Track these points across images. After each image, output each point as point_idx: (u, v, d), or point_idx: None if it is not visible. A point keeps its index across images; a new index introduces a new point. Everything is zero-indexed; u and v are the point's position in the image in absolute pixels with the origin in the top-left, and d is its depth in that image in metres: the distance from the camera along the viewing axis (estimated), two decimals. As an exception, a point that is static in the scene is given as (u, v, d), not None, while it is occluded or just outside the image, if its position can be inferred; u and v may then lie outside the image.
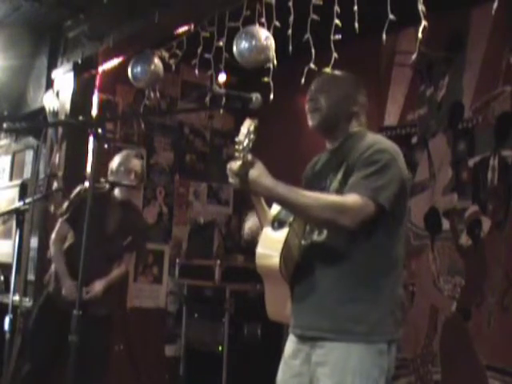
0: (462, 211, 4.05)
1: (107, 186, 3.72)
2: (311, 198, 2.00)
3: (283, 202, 2.03)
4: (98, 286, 3.60)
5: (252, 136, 1.98)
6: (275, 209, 2.19)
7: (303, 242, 2.16)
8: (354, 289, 2.06)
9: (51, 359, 3.56)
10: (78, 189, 3.76)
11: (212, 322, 4.82)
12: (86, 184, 3.77)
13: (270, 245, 2.11)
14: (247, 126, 2.00)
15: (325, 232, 2.10)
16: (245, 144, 1.95)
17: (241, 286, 4.73)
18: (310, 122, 2.23)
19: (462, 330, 3.96)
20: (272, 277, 2.13)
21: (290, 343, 2.21)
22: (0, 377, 3.67)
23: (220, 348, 4.69)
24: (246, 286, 4.63)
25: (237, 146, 1.96)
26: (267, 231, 2.14)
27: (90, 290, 3.57)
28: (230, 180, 1.99)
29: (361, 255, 2.06)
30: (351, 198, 1.99)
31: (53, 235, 3.76)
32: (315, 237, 2.13)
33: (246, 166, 1.94)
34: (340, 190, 2.08)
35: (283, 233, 2.13)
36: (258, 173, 1.96)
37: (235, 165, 1.96)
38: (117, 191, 3.73)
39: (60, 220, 3.75)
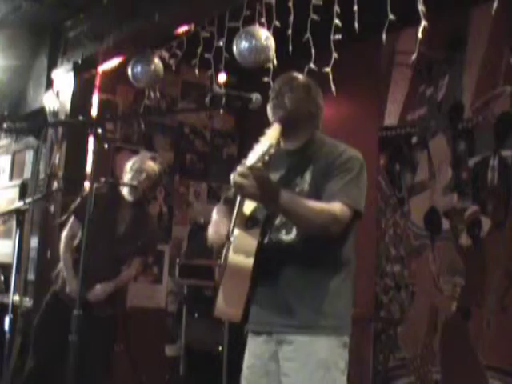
0: (461, 211, 4.05)
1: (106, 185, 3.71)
2: (307, 206, 2.03)
3: (285, 207, 2.03)
4: (101, 289, 3.58)
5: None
6: (248, 208, 2.19)
7: (272, 240, 2.17)
8: (321, 285, 2.12)
9: (56, 357, 3.55)
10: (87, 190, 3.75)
11: (212, 322, 4.82)
12: (100, 183, 3.75)
13: (244, 244, 2.11)
14: (278, 130, 1.99)
15: (293, 231, 2.14)
16: (273, 149, 1.91)
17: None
18: (272, 118, 2.23)
19: (462, 330, 3.96)
20: (236, 275, 2.12)
21: (253, 343, 2.22)
22: (0, 377, 3.67)
23: (220, 348, 4.68)
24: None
25: (265, 148, 1.89)
26: (241, 230, 2.14)
27: (94, 291, 3.55)
28: (234, 186, 1.94)
29: (327, 253, 2.14)
30: (338, 207, 2.04)
31: (64, 231, 3.73)
32: (283, 236, 2.16)
33: (258, 171, 1.89)
34: (310, 192, 2.12)
35: (256, 232, 2.14)
36: (268, 177, 1.98)
37: (242, 168, 1.91)
38: (126, 192, 3.71)
39: (72, 217, 3.74)
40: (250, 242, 2.11)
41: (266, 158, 1.89)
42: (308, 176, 2.16)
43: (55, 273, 3.75)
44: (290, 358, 2.09)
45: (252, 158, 1.89)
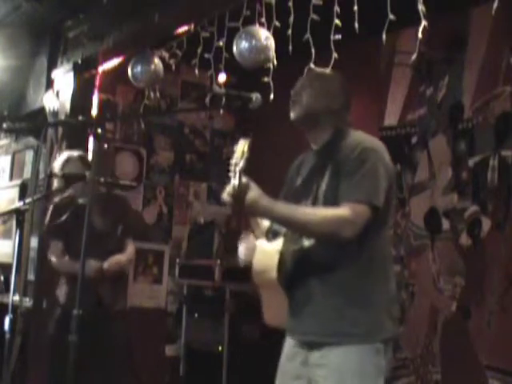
0: (461, 211, 4.05)
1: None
2: (310, 214, 2.02)
3: (282, 221, 2.04)
4: (117, 258, 3.57)
5: (246, 156, 1.95)
6: (267, 221, 2.20)
7: (294, 247, 2.14)
8: (348, 291, 2.06)
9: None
10: (54, 201, 3.71)
11: (212, 322, 4.82)
12: (64, 194, 3.72)
13: (266, 256, 2.13)
14: (242, 146, 1.98)
15: None
16: (241, 165, 1.93)
17: (241, 286, 4.73)
18: (291, 115, 2.24)
19: (462, 330, 3.96)
20: (269, 286, 2.14)
21: (288, 346, 2.22)
22: (0, 377, 3.66)
23: (220, 348, 4.69)
24: (246, 285, 4.62)
25: (233, 168, 1.93)
26: (262, 243, 2.15)
27: (110, 260, 3.53)
28: (228, 206, 1.97)
29: (352, 257, 2.07)
30: (348, 208, 1.99)
31: (49, 256, 3.70)
32: (305, 242, 2.12)
33: (242, 189, 1.92)
34: (328, 193, 2.08)
35: (278, 243, 2.14)
36: (255, 194, 1.96)
37: (230, 189, 1.94)
38: (80, 188, 3.60)
39: (48, 238, 3.71)
40: (273, 253, 2.11)
41: (237, 176, 1.92)
42: (327, 175, 2.12)
43: (58, 292, 3.69)
44: (318, 365, 2.07)
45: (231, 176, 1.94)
